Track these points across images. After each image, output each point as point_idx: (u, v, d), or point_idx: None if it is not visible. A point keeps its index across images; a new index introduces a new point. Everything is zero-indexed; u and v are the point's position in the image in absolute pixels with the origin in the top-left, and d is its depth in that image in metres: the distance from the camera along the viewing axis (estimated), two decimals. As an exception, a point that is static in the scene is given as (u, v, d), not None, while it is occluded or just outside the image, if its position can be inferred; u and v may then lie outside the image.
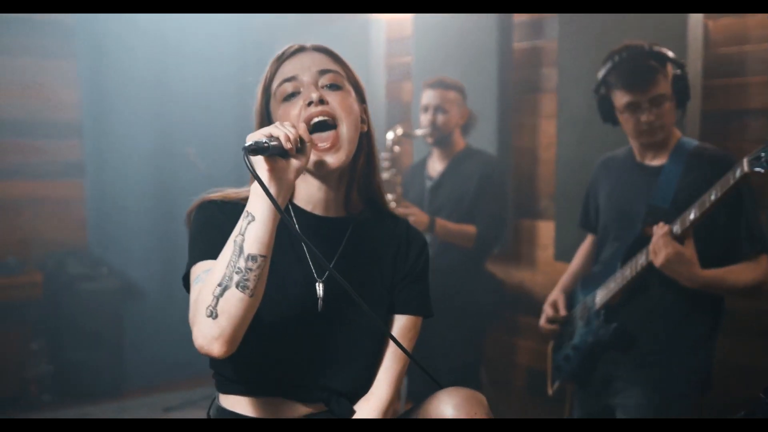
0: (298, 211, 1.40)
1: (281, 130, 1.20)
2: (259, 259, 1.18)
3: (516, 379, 3.20)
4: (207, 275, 1.21)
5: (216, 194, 1.38)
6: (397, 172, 2.88)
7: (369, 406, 1.39)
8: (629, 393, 2.08)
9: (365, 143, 1.42)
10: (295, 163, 1.22)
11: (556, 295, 2.40)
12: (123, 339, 3.78)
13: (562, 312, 2.35)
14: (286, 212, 1.29)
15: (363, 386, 1.41)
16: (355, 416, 1.38)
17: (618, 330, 2.10)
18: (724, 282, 1.96)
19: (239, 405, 1.37)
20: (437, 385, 1.38)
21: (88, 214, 3.88)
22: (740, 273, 1.97)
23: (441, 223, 2.78)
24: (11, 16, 3.48)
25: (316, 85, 1.36)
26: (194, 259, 1.30)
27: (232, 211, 1.31)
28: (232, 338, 1.18)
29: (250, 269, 1.17)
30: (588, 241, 2.43)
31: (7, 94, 3.65)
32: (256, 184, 1.19)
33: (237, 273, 1.17)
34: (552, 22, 2.95)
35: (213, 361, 1.37)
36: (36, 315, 3.64)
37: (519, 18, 3.08)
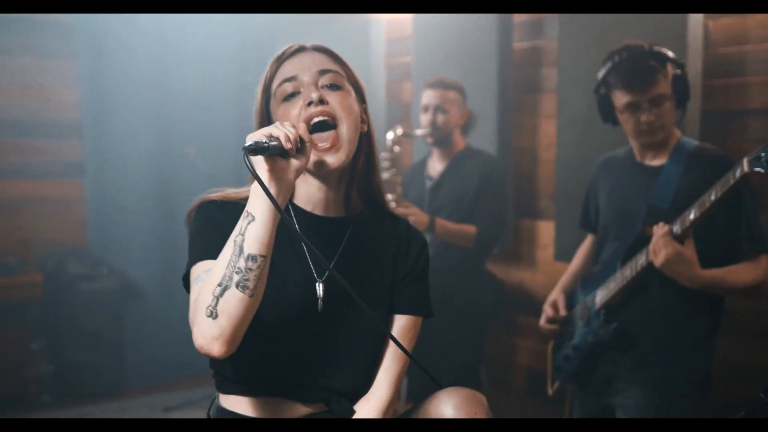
0: (298, 211, 1.40)
1: (281, 130, 1.20)
2: (259, 259, 1.18)
3: (516, 379, 3.20)
4: (207, 275, 1.21)
5: (216, 194, 1.38)
6: (397, 172, 2.88)
7: (369, 406, 1.39)
8: (629, 393, 2.08)
9: (365, 143, 1.42)
10: (295, 163, 1.22)
11: (556, 295, 2.40)
12: (123, 339, 3.78)
13: (562, 312, 2.35)
14: (286, 212, 1.29)
15: (363, 386, 1.41)
16: (355, 416, 1.38)
17: (618, 330, 2.10)
18: (724, 282, 1.96)
19: (239, 405, 1.37)
20: (437, 385, 1.38)
21: (88, 214, 3.88)
22: (740, 273, 1.97)
23: (441, 223, 2.78)
24: (11, 15, 3.48)
25: (316, 85, 1.35)
26: (194, 259, 1.30)
27: (232, 211, 1.31)
28: (232, 338, 1.18)
29: (250, 269, 1.17)
30: (588, 241, 2.43)
31: (8, 94, 3.65)
32: (256, 184, 1.19)
33: (237, 273, 1.17)
34: (552, 22, 2.95)
35: (213, 361, 1.37)
36: (36, 315, 3.64)
37: (519, 18, 3.08)
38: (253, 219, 1.19)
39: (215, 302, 1.17)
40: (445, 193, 2.90)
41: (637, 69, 2.04)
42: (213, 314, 1.17)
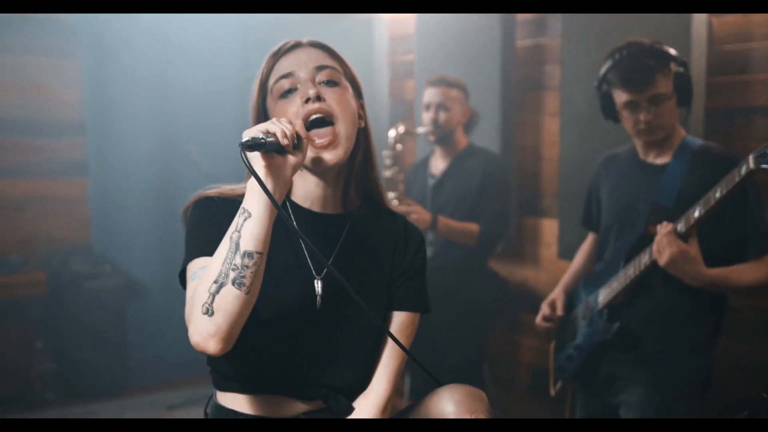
0: (296, 207, 1.39)
1: (278, 126, 1.19)
2: (256, 256, 1.18)
3: (519, 377, 3.19)
4: (203, 272, 1.21)
5: (212, 191, 1.37)
6: (399, 170, 2.88)
7: (368, 403, 1.38)
8: (632, 391, 2.07)
9: (363, 139, 1.42)
10: (291, 159, 1.21)
11: (557, 294, 2.39)
12: (126, 337, 3.79)
13: (559, 312, 2.34)
14: (283, 209, 1.28)
15: (361, 383, 1.41)
16: (354, 413, 1.38)
17: (621, 329, 2.09)
18: (729, 280, 1.95)
19: (237, 402, 1.36)
20: (436, 382, 1.37)
21: (91, 213, 3.89)
22: (745, 272, 1.95)
23: (443, 221, 2.78)
24: (13, 15, 3.48)
25: (313, 81, 1.35)
26: (190, 255, 1.30)
27: (228, 207, 1.31)
28: (228, 335, 1.17)
29: (247, 266, 1.17)
30: (589, 240, 2.42)
31: (10, 93, 3.66)
32: (252, 180, 1.19)
33: (233, 270, 1.17)
34: (555, 19, 2.94)
35: (210, 359, 1.36)
36: (39, 313, 3.65)
37: (522, 15, 3.06)
38: (250, 215, 1.18)
39: (211, 299, 1.16)
40: (447, 191, 2.89)
41: (636, 68, 2.03)
42: (209, 311, 1.16)
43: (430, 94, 2.88)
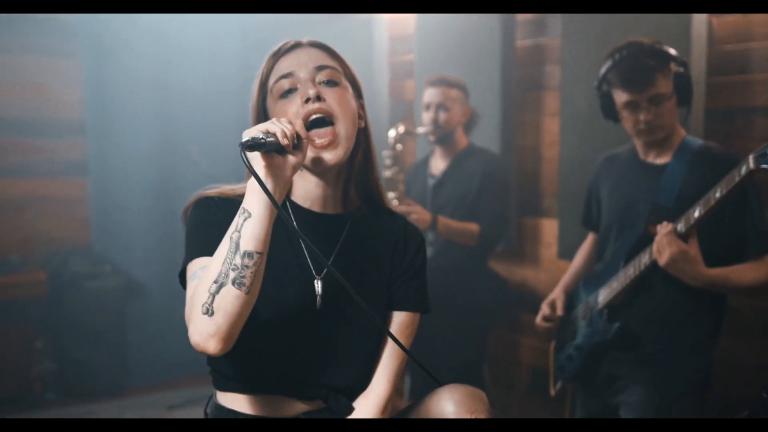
0: (296, 207, 1.39)
1: (278, 126, 1.19)
2: (256, 256, 1.17)
3: (519, 377, 3.19)
4: (203, 272, 1.21)
5: (212, 191, 1.37)
6: (399, 170, 2.88)
7: (367, 403, 1.38)
8: (632, 390, 2.07)
9: (362, 139, 1.42)
10: (291, 159, 1.21)
11: (556, 294, 2.39)
12: (127, 337, 3.79)
13: (559, 312, 2.34)
14: (283, 209, 1.28)
15: (361, 383, 1.41)
16: (354, 413, 1.38)
17: (621, 329, 2.09)
18: (729, 280, 1.94)
19: (237, 402, 1.36)
20: (436, 382, 1.37)
21: (91, 213, 3.89)
22: (745, 272, 1.95)
23: (443, 221, 2.78)
24: (13, 15, 3.48)
25: (313, 81, 1.35)
26: (190, 255, 1.30)
27: (228, 207, 1.31)
28: (228, 336, 1.17)
29: (247, 266, 1.17)
30: (589, 240, 2.42)
31: (10, 93, 3.66)
32: (252, 180, 1.19)
33: (233, 270, 1.16)
34: (555, 19, 2.93)
35: (210, 359, 1.36)
36: (39, 313, 3.65)
37: (522, 15, 3.06)
38: (250, 215, 1.18)
39: (211, 299, 1.16)
40: (447, 191, 2.89)
41: (635, 68, 2.02)
42: (209, 311, 1.16)
43: (430, 94, 2.88)
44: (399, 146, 2.94)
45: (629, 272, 2.06)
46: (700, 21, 2.37)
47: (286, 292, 1.33)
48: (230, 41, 4.02)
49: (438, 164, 2.96)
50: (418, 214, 2.71)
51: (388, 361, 1.41)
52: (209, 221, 1.31)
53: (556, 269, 2.93)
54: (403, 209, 2.73)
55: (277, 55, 1.39)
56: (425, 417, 1.34)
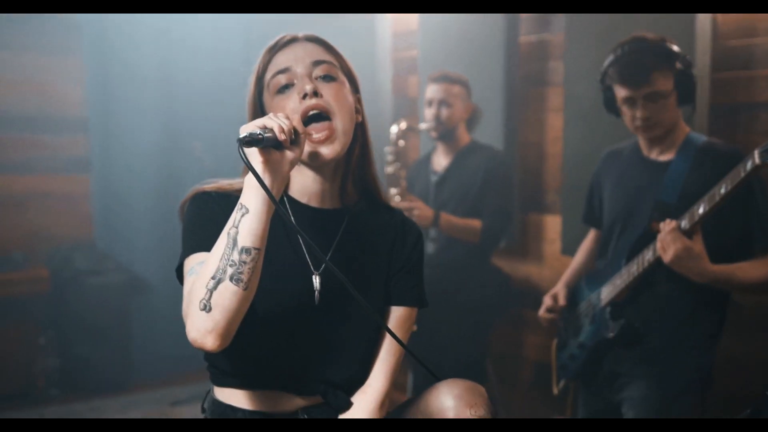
0: (293, 203, 1.39)
1: (275, 122, 1.19)
2: (253, 252, 1.17)
3: (522, 373, 3.18)
4: (201, 268, 1.20)
5: (210, 185, 1.37)
6: (401, 166, 2.87)
7: (365, 398, 1.38)
8: (635, 386, 2.06)
9: (360, 134, 1.41)
10: (289, 154, 1.21)
11: (558, 288, 2.38)
12: (130, 333, 3.79)
13: (561, 302, 2.33)
14: (280, 204, 1.28)
15: (359, 378, 1.40)
16: (352, 408, 1.37)
17: (624, 327, 2.08)
18: (734, 277, 1.93)
19: (234, 398, 1.36)
20: (434, 377, 1.37)
21: (94, 209, 3.89)
22: (750, 269, 1.94)
23: (446, 217, 2.77)
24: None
25: (309, 76, 1.34)
26: (188, 250, 1.30)
27: (225, 202, 1.31)
28: (226, 332, 1.17)
29: (244, 262, 1.16)
30: (591, 236, 2.41)
31: (14, 90, 3.66)
32: (250, 176, 1.18)
33: (231, 266, 1.16)
34: (559, 15, 2.92)
35: (208, 354, 1.36)
36: (43, 310, 3.66)
37: (525, 11, 3.05)
38: (247, 211, 1.18)
39: (209, 295, 1.16)
40: (450, 187, 2.88)
41: (633, 64, 2.02)
42: (206, 307, 1.16)
43: (432, 91, 2.88)
44: (401, 142, 2.94)
45: (632, 269, 2.05)
46: (704, 16, 2.35)
47: (284, 287, 1.33)
48: (233, 37, 4.01)
49: (440, 161, 2.95)
50: (420, 211, 2.71)
51: (386, 356, 1.40)
52: (207, 216, 1.31)
53: (559, 265, 2.91)
54: (405, 205, 2.72)
55: (274, 50, 1.38)
56: (425, 411, 1.33)
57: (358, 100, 1.42)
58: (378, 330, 1.40)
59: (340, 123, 1.32)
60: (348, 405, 1.37)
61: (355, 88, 1.41)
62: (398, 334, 1.37)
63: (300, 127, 1.23)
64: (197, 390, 3.58)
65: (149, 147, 3.86)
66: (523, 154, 3.11)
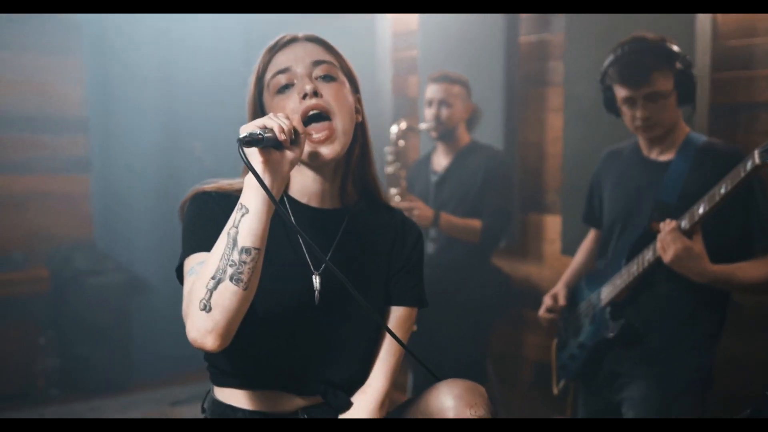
0: (293, 203, 1.39)
1: (275, 122, 1.19)
2: (253, 252, 1.17)
3: (523, 373, 3.18)
4: (201, 268, 1.20)
5: (210, 185, 1.37)
6: (401, 166, 2.87)
7: (365, 398, 1.38)
8: (635, 386, 2.06)
9: (360, 134, 1.41)
10: (289, 154, 1.21)
11: (558, 289, 2.38)
12: (130, 333, 3.79)
13: (561, 302, 2.33)
14: (281, 204, 1.28)
15: (359, 378, 1.40)
16: (352, 408, 1.37)
17: (624, 327, 2.08)
18: (734, 277, 1.93)
19: (234, 398, 1.36)
20: (434, 377, 1.37)
21: (93, 210, 3.89)
22: (750, 269, 1.94)
23: (446, 217, 2.77)
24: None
25: (309, 76, 1.34)
26: (188, 250, 1.30)
27: (225, 202, 1.31)
28: (226, 332, 1.17)
29: (244, 262, 1.16)
30: (591, 236, 2.41)
31: (13, 90, 3.66)
32: (250, 176, 1.18)
33: (231, 266, 1.16)
34: (559, 15, 2.92)
35: (208, 354, 1.36)
36: (43, 310, 3.66)
37: (525, 11, 3.05)
38: (247, 211, 1.18)
39: (209, 295, 1.16)
40: (450, 187, 2.88)
41: (633, 64, 2.02)
42: (206, 307, 1.16)
43: (432, 91, 2.88)
44: (401, 142, 2.94)
45: (632, 269, 2.05)
46: (704, 16, 2.35)
47: (284, 287, 1.33)
48: (233, 37, 4.01)
49: (440, 161, 2.95)
50: (420, 211, 2.71)
51: (386, 356, 1.40)
52: (206, 216, 1.31)
53: (559, 265, 2.91)
54: (405, 205, 2.73)
55: (274, 50, 1.38)
56: (425, 411, 1.33)
57: (358, 100, 1.42)
58: (378, 330, 1.40)
59: (340, 123, 1.32)
60: (348, 405, 1.37)
61: (355, 88, 1.41)
62: (398, 334, 1.37)
63: (300, 127, 1.23)
64: (197, 390, 3.58)
65: (149, 147, 3.86)
66: (523, 154, 3.11)
